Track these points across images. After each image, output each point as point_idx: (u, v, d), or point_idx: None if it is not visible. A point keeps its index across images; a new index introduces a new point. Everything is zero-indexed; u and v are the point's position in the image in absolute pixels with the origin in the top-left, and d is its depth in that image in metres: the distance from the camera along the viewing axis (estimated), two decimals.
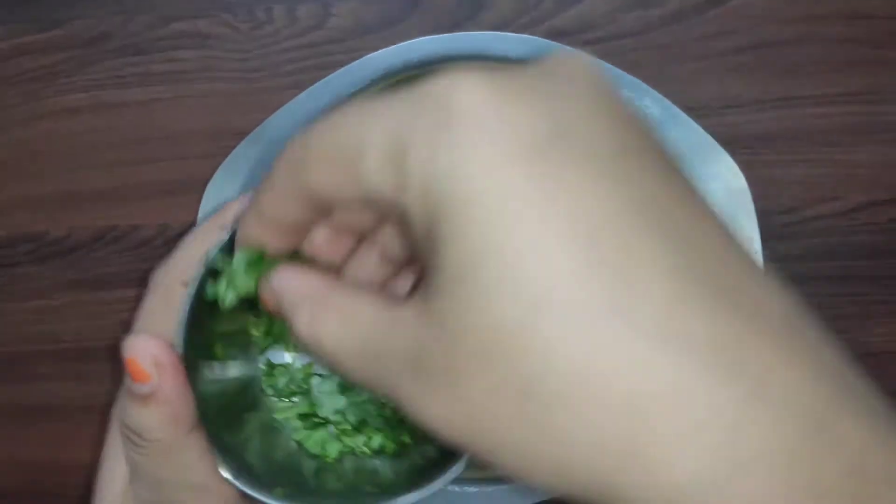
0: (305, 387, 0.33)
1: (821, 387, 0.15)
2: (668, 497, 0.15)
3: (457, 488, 0.39)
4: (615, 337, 0.15)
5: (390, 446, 0.32)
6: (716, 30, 0.44)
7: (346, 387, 0.32)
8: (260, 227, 0.22)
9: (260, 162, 0.41)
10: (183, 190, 0.47)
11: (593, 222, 0.15)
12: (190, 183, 0.46)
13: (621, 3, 0.44)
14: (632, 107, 0.18)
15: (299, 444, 0.32)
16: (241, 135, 0.44)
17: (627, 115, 0.17)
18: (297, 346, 0.21)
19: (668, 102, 0.41)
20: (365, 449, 0.32)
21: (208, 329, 0.28)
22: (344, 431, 0.32)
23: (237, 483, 0.26)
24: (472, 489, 0.40)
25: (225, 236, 0.25)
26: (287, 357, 0.33)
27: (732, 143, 0.41)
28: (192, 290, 0.25)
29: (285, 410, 0.32)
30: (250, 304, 0.25)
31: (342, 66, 0.43)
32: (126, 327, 0.27)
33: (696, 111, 0.42)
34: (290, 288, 0.22)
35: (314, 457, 0.31)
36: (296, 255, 0.24)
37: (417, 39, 0.40)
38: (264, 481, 0.26)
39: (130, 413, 0.25)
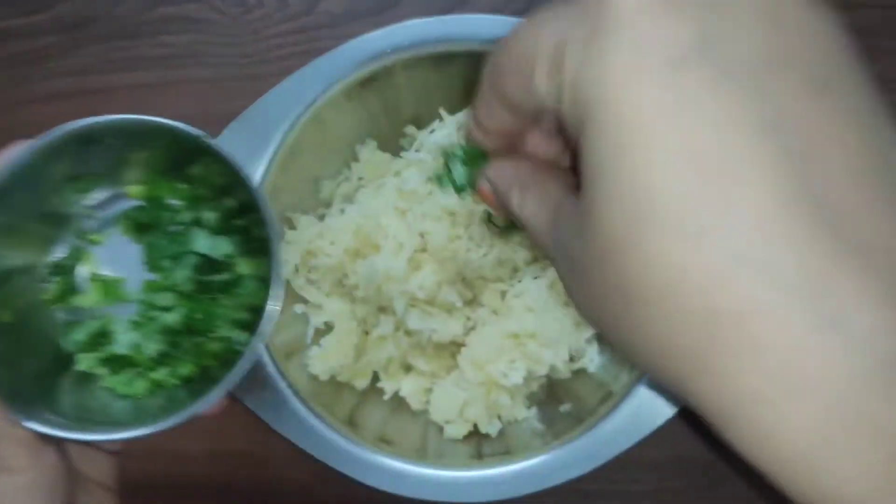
0: (104, 339, 0.34)
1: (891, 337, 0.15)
2: (727, 409, 0.16)
3: (447, 473, 0.39)
4: (703, 256, 0.16)
5: (195, 372, 0.34)
6: None
7: (138, 322, 0.34)
8: (478, 131, 0.26)
9: (246, 148, 0.40)
10: None
11: (711, 141, 0.16)
12: None
13: None
14: (817, 15, 0.17)
15: (110, 390, 0.33)
16: (228, 120, 0.43)
17: (800, 22, 0.17)
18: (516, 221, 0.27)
19: None
20: (173, 380, 0.33)
21: None
22: (148, 367, 0.33)
23: (30, 424, 0.28)
24: (462, 473, 0.39)
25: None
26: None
27: None
28: None
29: (85, 360, 0.33)
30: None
31: (331, 51, 0.42)
32: None
33: None
34: (502, 176, 0.26)
35: (125, 397, 0.33)
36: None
37: (408, 22, 0.39)
38: (75, 426, 0.29)
39: None
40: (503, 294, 0.41)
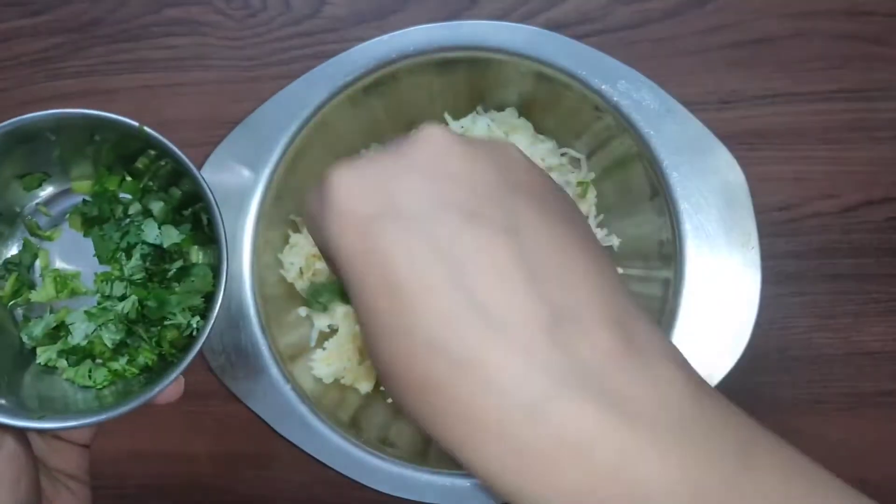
0: (61, 332, 0.35)
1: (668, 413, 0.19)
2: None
3: (448, 482, 0.39)
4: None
5: (153, 360, 0.34)
6: (714, 24, 0.44)
7: (94, 314, 0.34)
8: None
9: (251, 151, 0.40)
10: None
11: (395, 280, 0.21)
12: None
13: None
14: (470, 164, 0.22)
15: (71, 381, 0.34)
16: (232, 124, 0.43)
17: (454, 175, 0.22)
18: None
19: (666, 95, 0.41)
20: (132, 369, 0.34)
21: None
22: (106, 357, 0.34)
23: None
24: (465, 482, 0.39)
25: None
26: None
27: (730, 138, 0.41)
28: None
29: (44, 353, 0.34)
30: None
31: (336, 55, 0.42)
32: None
33: (693, 105, 0.41)
34: None
35: (86, 388, 0.34)
36: None
37: (413, 28, 0.39)
38: (35, 416, 0.30)
39: None
40: None
